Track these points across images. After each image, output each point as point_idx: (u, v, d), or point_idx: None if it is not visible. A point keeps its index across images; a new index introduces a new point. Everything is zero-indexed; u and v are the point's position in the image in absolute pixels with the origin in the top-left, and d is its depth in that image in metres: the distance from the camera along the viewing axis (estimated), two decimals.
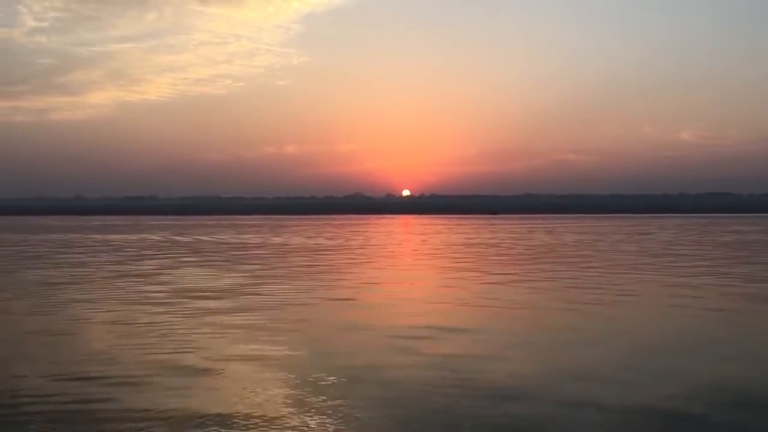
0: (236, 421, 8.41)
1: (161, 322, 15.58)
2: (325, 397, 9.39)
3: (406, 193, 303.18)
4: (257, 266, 30.50)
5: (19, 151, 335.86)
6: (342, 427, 8.22)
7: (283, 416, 8.59)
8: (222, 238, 57.22)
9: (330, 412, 8.78)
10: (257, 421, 8.42)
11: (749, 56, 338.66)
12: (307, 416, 8.58)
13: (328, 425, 8.27)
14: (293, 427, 8.18)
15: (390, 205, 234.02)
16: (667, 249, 41.01)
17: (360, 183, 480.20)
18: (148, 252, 40.25)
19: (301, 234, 65.57)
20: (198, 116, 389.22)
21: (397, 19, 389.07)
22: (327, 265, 30.90)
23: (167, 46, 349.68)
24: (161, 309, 17.57)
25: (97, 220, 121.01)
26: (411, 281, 25.48)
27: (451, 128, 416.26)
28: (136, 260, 34.20)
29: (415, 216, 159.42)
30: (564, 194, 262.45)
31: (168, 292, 21.07)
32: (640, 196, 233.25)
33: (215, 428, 8.15)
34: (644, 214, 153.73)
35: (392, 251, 41.03)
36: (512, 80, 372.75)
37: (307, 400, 9.28)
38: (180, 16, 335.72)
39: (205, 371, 10.89)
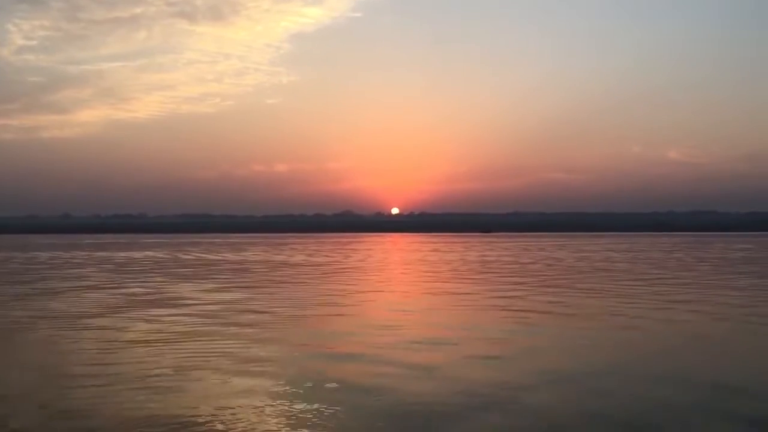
0: None
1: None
2: None
3: (395, 211, 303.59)
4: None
5: (7, 170, 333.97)
6: None
7: None
8: (243, 257, 57.03)
9: None
10: None
11: (734, 75, 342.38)
12: None
13: None
14: None
15: (380, 223, 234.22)
16: None
17: (349, 201, 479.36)
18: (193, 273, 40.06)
19: (324, 254, 65.38)
20: (187, 134, 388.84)
21: (386, 38, 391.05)
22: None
23: (156, 64, 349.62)
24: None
25: (88, 239, 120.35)
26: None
27: (440, 146, 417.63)
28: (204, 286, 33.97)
29: (407, 234, 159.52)
30: (553, 212, 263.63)
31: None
32: (629, 215, 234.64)
33: None
34: (633, 232, 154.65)
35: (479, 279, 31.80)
36: (500, 99, 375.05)
37: None
38: (169, 35, 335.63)
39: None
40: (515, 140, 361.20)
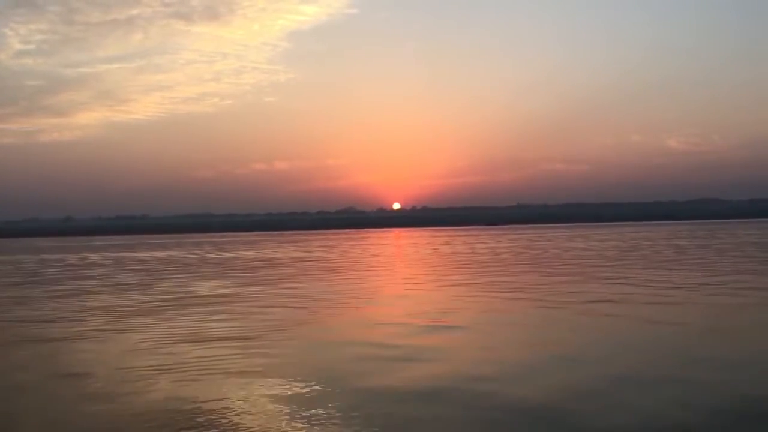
0: None
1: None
2: None
3: (396, 206, 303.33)
4: None
5: (8, 174, 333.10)
6: None
7: None
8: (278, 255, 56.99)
9: None
10: None
11: (732, 62, 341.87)
12: None
13: None
14: None
15: (384, 219, 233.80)
16: None
17: (351, 197, 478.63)
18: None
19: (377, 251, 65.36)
20: (187, 134, 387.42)
21: (383, 34, 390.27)
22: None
23: (154, 65, 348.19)
24: None
25: (98, 241, 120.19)
26: None
27: (439, 141, 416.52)
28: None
29: (412, 229, 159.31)
30: (555, 204, 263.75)
31: None
32: (631, 204, 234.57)
33: None
34: (639, 222, 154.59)
35: None
36: (499, 91, 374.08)
37: None
38: (166, 35, 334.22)
39: None
40: (514, 132, 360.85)
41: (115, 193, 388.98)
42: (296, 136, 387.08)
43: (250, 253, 58.48)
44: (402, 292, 26.11)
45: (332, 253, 56.57)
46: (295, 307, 22.00)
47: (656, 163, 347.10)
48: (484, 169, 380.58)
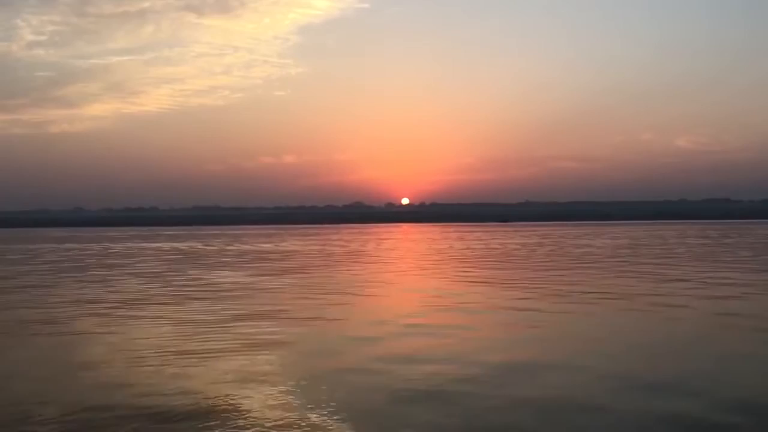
0: None
1: None
2: None
3: (405, 201, 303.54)
4: None
5: (18, 164, 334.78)
6: None
7: None
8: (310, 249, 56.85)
9: None
10: None
11: (743, 62, 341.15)
12: None
13: None
14: None
15: (392, 214, 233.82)
16: None
17: (359, 192, 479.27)
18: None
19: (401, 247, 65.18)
20: (197, 127, 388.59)
21: (394, 29, 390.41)
22: None
23: (165, 58, 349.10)
24: None
25: (111, 231, 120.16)
26: None
27: (448, 137, 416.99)
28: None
29: (423, 225, 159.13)
30: (565, 201, 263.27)
31: None
32: (641, 203, 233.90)
33: None
34: (648, 221, 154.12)
35: None
36: (509, 88, 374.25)
37: None
38: (177, 28, 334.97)
39: None
40: (524, 129, 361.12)
41: (124, 185, 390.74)
42: (305, 130, 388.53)
43: (311, 247, 58.35)
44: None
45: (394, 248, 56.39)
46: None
47: (666, 162, 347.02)
48: (493, 166, 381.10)
